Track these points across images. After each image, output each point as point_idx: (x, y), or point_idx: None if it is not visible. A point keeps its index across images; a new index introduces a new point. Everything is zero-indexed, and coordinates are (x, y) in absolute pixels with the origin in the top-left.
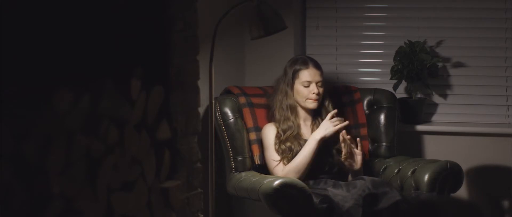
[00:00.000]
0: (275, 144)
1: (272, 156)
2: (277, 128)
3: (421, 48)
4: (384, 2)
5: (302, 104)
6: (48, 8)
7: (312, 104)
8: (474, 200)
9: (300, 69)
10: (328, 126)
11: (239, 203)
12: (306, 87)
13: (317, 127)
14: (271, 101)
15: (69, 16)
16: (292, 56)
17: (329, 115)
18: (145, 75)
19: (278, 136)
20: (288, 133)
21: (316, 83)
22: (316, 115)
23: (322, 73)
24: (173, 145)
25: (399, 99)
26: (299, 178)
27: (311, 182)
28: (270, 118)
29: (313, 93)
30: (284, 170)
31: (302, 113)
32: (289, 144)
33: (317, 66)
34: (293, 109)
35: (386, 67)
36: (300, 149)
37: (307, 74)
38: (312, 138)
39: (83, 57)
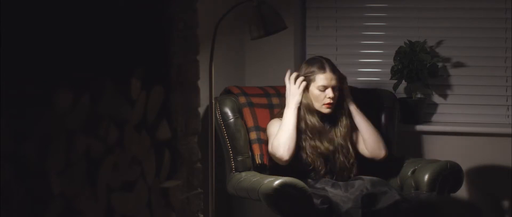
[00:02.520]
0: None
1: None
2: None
3: (421, 48)
4: (384, 2)
5: (317, 108)
6: (48, 8)
7: (326, 110)
8: (474, 200)
9: (316, 73)
10: (295, 91)
11: (239, 203)
12: (322, 92)
13: (336, 128)
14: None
15: (69, 16)
16: (292, 56)
17: (292, 79)
18: (145, 75)
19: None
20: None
21: (332, 88)
22: (332, 118)
23: (338, 77)
24: (173, 145)
25: (399, 99)
26: (289, 153)
27: (310, 181)
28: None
29: (328, 97)
30: (272, 147)
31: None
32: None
33: (334, 69)
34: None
35: (386, 67)
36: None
37: (323, 78)
38: (288, 108)
39: (83, 57)
